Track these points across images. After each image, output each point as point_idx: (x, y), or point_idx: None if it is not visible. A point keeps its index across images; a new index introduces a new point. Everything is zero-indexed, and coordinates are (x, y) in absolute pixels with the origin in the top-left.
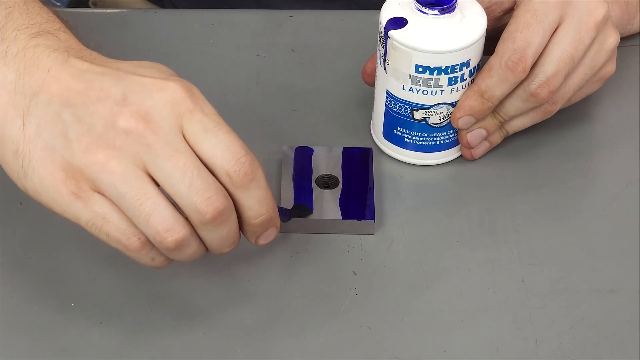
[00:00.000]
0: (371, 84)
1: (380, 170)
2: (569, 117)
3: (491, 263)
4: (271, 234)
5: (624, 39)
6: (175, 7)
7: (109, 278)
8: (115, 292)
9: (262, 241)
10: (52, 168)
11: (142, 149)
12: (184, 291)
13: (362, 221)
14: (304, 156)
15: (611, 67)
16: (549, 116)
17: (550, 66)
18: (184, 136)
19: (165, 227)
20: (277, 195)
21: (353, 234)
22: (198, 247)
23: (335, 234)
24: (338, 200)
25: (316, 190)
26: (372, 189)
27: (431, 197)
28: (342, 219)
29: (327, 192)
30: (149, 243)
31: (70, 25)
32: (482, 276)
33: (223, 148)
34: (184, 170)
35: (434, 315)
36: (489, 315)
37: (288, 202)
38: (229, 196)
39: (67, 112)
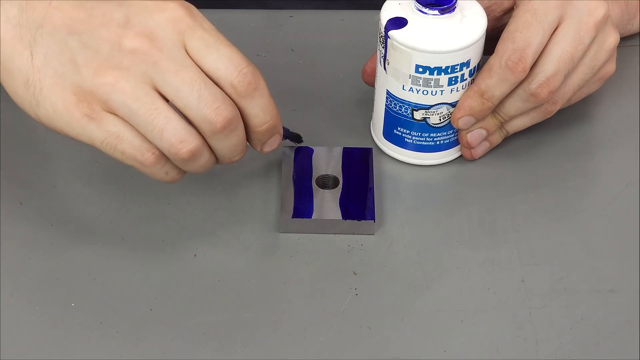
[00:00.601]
0: (371, 84)
1: (380, 170)
2: (569, 117)
3: (491, 263)
4: (275, 140)
5: (624, 39)
6: None
7: (109, 278)
8: (115, 292)
9: (267, 148)
10: (63, 93)
11: (150, 67)
12: (184, 291)
13: (362, 221)
14: (304, 156)
15: (611, 67)
16: (549, 116)
17: (550, 66)
18: (187, 52)
19: (179, 138)
20: (277, 195)
21: (353, 234)
22: (209, 157)
23: (335, 234)
24: (338, 200)
25: (316, 190)
26: (372, 189)
27: (431, 197)
28: (342, 219)
29: (327, 192)
30: (162, 157)
31: None
32: (482, 276)
33: (226, 61)
34: (192, 83)
35: (434, 315)
36: (489, 315)
37: (288, 202)
38: (235, 106)
39: (72, 39)
